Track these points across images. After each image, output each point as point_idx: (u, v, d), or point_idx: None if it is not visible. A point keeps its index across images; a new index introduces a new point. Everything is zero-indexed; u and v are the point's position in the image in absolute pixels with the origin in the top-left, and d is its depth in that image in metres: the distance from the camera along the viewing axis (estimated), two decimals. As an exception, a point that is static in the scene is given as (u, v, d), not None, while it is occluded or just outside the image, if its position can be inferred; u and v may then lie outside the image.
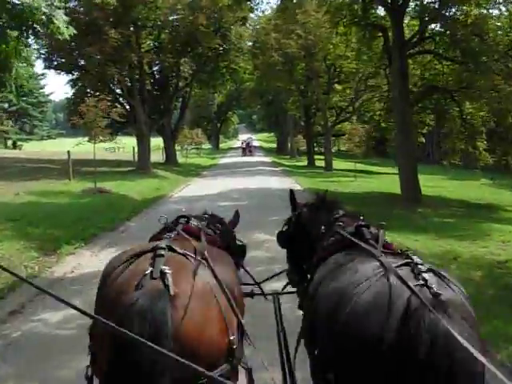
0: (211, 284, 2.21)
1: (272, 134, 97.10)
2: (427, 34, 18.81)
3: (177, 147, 42.89)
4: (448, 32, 17.39)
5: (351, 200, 16.03)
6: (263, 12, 43.70)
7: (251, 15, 35.61)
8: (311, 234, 3.12)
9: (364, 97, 35.00)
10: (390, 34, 18.04)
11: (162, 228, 2.87)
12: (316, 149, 51.34)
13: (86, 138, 18.48)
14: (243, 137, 76.12)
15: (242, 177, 25.42)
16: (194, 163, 40.88)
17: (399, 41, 16.85)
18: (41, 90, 72.55)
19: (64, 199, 16.31)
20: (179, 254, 2.27)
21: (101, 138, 17.94)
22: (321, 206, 3.32)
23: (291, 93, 42.47)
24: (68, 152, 20.95)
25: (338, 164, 38.40)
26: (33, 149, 53.57)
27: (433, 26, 18.77)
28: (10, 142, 62.40)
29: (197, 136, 49.89)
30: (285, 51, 34.41)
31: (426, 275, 1.99)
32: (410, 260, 2.16)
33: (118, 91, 28.45)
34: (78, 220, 12.69)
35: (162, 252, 2.21)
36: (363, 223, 2.71)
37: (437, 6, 17.26)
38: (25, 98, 67.13)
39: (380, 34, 19.55)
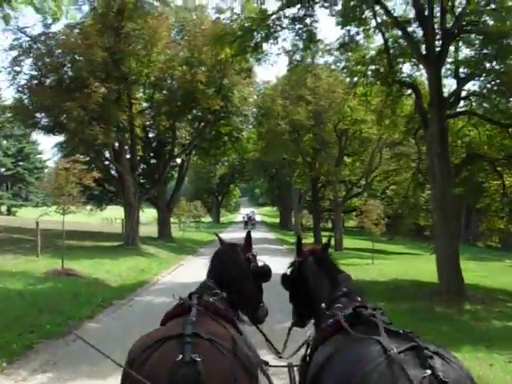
0: (237, 371, 2.40)
1: (275, 208, 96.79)
2: (465, 94, 16.10)
3: (173, 220, 40.44)
4: (494, 89, 14.54)
5: (375, 291, 13.60)
6: (268, 82, 41.09)
7: (256, 80, 33.52)
8: (311, 292, 3.39)
9: (379, 169, 32.72)
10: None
11: (176, 305, 2.98)
12: (321, 224, 48.71)
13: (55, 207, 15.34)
14: (245, 210, 76.84)
15: (243, 256, 22.32)
16: (191, 238, 38.45)
17: (438, 98, 14.05)
18: (38, 156, 70.64)
19: (17, 283, 13.12)
20: (205, 339, 2.42)
21: (71, 207, 14.74)
22: (323, 263, 3.47)
23: (297, 165, 40.96)
24: (36, 223, 17.82)
25: (347, 242, 36.01)
26: (27, 215, 51.60)
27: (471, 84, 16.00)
28: (3, 208, 60.02)
29: (195, 209, 47.95)
30: (292, 119, 32.11)
31: (432, 362, 2.06)
32: (414, 343, 2.22)
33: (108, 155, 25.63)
34: (19, 318, 9.45)
35: (189, 339, 2.36)
36: (361, 304, 2.85)
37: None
38: (22, 163, 65.74)
39: (408, 92, 16.91)
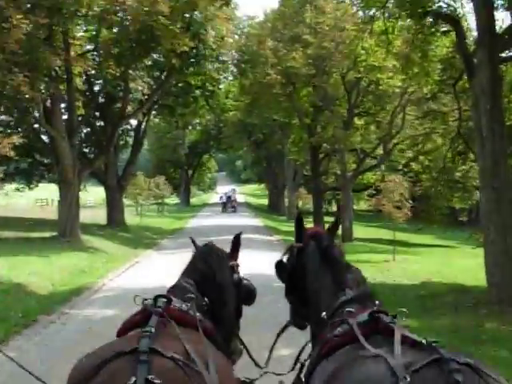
0: None
1: (262, 186, 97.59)
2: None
3: (128, 202, 40.56)
4: None
5: (399, 300, 12.95)
6: (253, 18, 40.44)
7: (237, 14, 32.73)
8: (309, 291, 3.53)
9: (402, 134, 32.35)
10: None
11: (138, 311, 3.03)
12: (324, 207, 49.14)
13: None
14: (223, 189, 76.56)
15: (220, 252, 22.07)
16: (151, 226, 38.08)
17: (489, 36, 13.35)
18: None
19: None
20: (166, 357, 2.45)
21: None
22: (327, 253, 3.55)
23: (292, 129, 41.24)
24: None
25: (358, 231, 35.99)
26: None
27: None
28: None
29: (157, 187, 47.48)
30: (286, 67, 31.43)
31: (459, 376, 2.16)
32: (438, 355, 2.32)
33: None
34: None
35: (145, 357, 2.37)
36: (379, 309, 2.94)
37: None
38: None
39: (446, 29, 16.27)
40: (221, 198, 62.65)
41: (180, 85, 32.99)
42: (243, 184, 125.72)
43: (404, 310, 3.01)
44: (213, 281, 3.49)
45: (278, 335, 3.95)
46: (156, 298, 3.04)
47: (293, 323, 3.92)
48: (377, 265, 20.95)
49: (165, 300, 3.01)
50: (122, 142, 36.70)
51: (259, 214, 58.16)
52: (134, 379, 2.25)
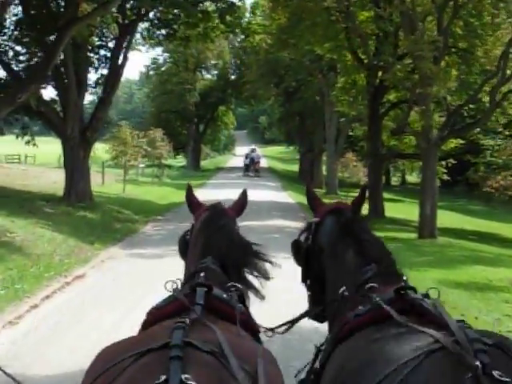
0: None
1: (291, 148, 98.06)
2: None
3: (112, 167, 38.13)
4: None
5: None
6: None
7: None
8: (327, 270, 3.58)
9: None
10: None
11: (168, 300, 3.00)
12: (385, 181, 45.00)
13: None
14: (243, 150, 75.83)
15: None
16: (138, 199, 33.24)
17: None
18: None
19: None
20: (204, 351, 2.39)
21: None
22: (349, 228, 3.55)
23: (343, 68, 36.33)
24: None
25: (444, 219, 30.99)
26: None
27: None
28: None
29: (152, 144, 43.22)
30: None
31: (484, 357, 2.20)
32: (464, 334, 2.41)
33: None
34: None
35: (178, 352, 2.30)
36: (406, 285, 3.00)
37: None
38: None
39: None
40: (246, 157, 61.79)
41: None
42: (267, 145, 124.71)
43: (435, 287, 3.06)
44: (234, 257, 3.44)
45: (294, 321, 3.77)
46: (195, 286, 2.97)
47: (311, 315, 3.85)
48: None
49: (205, 288, 2.93)
50: (93, 74, 30.23)
51: (288, 184, 54.42)
52: (163, 378, 2.13)
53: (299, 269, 3.93)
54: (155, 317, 2.89)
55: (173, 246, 15.72)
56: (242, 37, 48.53)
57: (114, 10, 25.50)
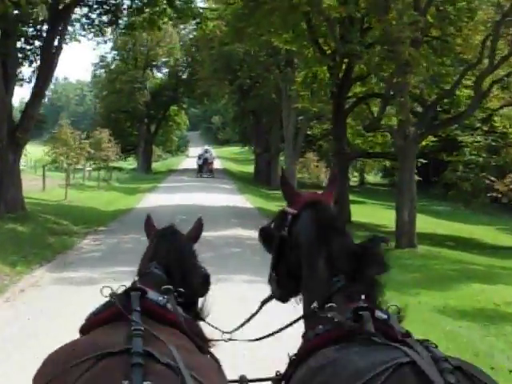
0: None
1: (246, 148, 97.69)
2: None
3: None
4: None
5: None
6: None
7: None
8: (303, 269, 3.45)
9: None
10: None
11: (105, 304, 3.04)
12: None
13: None
14: (197, 151, 75.02)
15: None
16: (81, 206, 31.04)
17: None
18: None
19: None
20: (162, 364, 2.44)
21: None
22: (328, 233, 3.41)
23: (304, 60, 34.21)
24: None
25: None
26: None
27: None
28: None
29: (98, 146, 42.71)
30: None
31: (451, 377, 2.22)
32: (431, 354, 2.43)
33: None
34: None
35: (140, 360, 2.36)
36: (363, 305, 2.92)
37: None
38: None
39: None
40: (199, 157, 61.98)
41: None
42: (221, 146, 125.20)
43: (396, 304, 3.03)
44: (183, 267, 3.48)
45: (259, 308, 3.87)
46: (128, 290, 3.00)
47: (276, 296, 3.78)
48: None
49: (138, 293, 2.98)
50: (24, 68, 27.29)
51: (243, 186, 53.99)
52: (126, 383, 2.23)
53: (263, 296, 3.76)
54: (93, 322, 2.91)
55: (112, 267, 12.96)
56: (194, 26, 46.60)
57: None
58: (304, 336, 3.07)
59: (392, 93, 23.86)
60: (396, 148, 25.67)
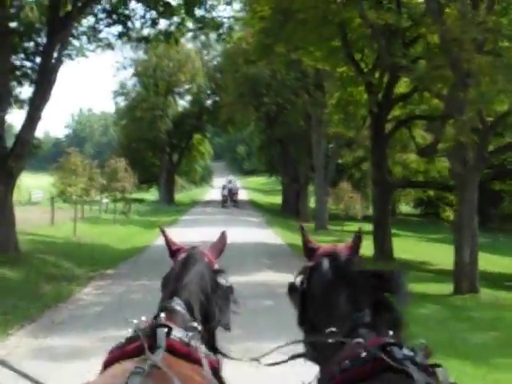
0: None
1: (273, 178, 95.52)
2: None
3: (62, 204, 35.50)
4: None
5: None
6: None
7: None
8: (317, 313, 3.50)
9: None
10: None
11: (128, 339, 3.08)
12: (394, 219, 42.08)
13: None
14: (221, 182, 73.35)
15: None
16: (90, 244, 28.30)
17: None
18: None
19: None
20: None
21: None
22: (342, 272, 3.54)
23: (338, 79, 31.97)
24: None
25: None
26: None
27: None
28: None
29: (114, 176, 40.73)
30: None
31: None
32: None
33: None
34: None
35: None
36: (391, 341, 2.92)
37: None
38: None
39: None
40: (223, 188, 62.05)
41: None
42: (247, 176, 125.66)
43: (423, 341, 2.95)
44: (206, 306, 3.52)
45: (288, 360, 3.67)
46: (155, 326, 3.07)
47: (308, 356, 3.68)
48: None
49: (166, 328, 3.06)
50: (17, 88, 25.01)
51: (272, 218, 52.29)
52: None
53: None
54: (115, 356, 2.94)
55: (109, 331, 9.40)
56: (218, 52, 44.82)
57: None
58: (326, 369, 3.01)
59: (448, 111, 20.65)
60: (454, 176, 22.50)
